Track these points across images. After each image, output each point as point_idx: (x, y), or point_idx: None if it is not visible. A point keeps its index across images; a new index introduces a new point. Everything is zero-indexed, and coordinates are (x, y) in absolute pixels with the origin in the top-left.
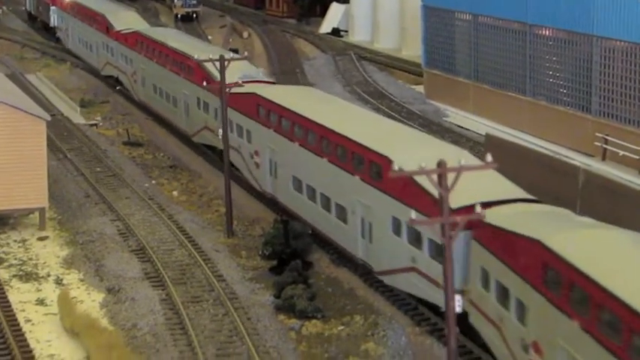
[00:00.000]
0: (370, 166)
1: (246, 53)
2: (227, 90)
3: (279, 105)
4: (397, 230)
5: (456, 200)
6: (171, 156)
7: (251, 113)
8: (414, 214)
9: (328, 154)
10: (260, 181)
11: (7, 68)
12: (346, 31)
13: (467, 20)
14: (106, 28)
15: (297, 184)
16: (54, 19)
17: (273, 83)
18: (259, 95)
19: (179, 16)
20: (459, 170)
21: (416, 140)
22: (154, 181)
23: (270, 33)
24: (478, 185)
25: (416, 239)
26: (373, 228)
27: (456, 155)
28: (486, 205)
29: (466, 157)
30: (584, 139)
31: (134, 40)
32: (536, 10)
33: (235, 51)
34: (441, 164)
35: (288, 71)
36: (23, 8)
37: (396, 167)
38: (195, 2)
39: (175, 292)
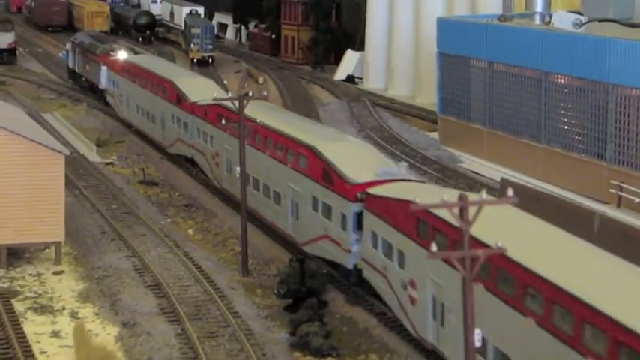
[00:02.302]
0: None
1: (265, 92)
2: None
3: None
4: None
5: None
6: (187, 195)
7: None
8: (434, 247)
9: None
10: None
11: (23, 107)
12: (361, 78)
13: (482, 67)
14: (177, 97)
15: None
16: (104, 81)
17: (422, 182)
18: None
19: (195, 60)
20: (480, 204)
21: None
22: (169, 220)
23: (285, 79)
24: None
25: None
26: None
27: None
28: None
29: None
30: (599, 187)
31: (217, 115)
32: (551, 58)
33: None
34: (462, 198)
35: (303, 115)
36: (61, 56)
37: (417, 201)
38: (211, 47)
39: (191, 326)
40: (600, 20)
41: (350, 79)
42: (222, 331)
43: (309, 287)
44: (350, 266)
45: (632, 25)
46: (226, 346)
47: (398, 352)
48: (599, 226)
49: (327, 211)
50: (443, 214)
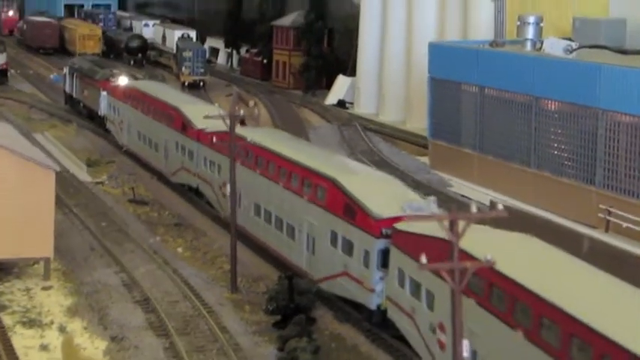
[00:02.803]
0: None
1: (256, 111)
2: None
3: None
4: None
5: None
6: (177, 214)
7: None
8: (424, 259)
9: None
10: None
11: (13, 128)
12: (352, 103)
13: (473, 92)
14: (182, 124)
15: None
16: (104, 107)
17: None
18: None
19: (186, 83)
20: (469, 218)
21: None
22: (158, 238)
23: (276, 103)
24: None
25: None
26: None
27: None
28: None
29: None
30: (588, 211)
31: (224, 142)
32: (542, 83)
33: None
34: (452, 211)
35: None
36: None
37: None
38: (202, 70)
39: (179, 341)
40: (591, 47)
41: (341, 103)
42: (211, 346)
43: (298, 304)
44: (373, 306)
45: (623, 52)
46: None
47: None
48: (587, 247)
49: (348, 247)
50: (474, 251)
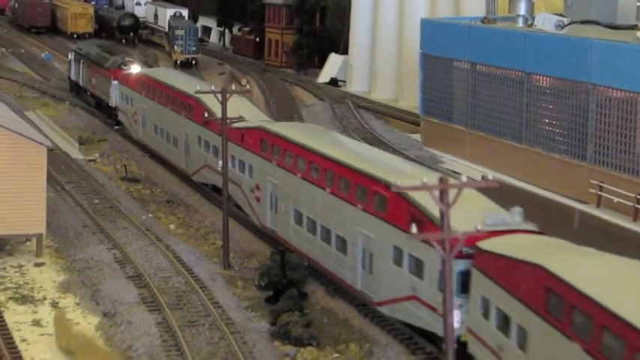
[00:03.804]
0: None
1: (248, 86)
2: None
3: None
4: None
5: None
6: (169, 192)
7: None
8: (414, 229)
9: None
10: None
11: (5, 105)
12: (344, 82)
13: (465, 68)
14: (205, 117)
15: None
16: (115, 98)
17: (540, 233)
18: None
19: (178, 62)
20: (460, 187)
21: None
22: (151, 215)
23: (269, 81)
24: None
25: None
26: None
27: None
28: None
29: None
30: (579, 187)
31: (257, 139)
32: (533, 59)
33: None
34: (442, 180)
35: (286, 116)
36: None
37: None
38: (195, 49)
39: (172, 316)
40: (582, 22)
41: (333, 82)
42: (203, 321)
43: (290, 279)
44: None
45: (614, 27)
46: (207, 335)
47: (377, 342)
48: (579, 222)
49: (417, 267)
50: (582, 284)
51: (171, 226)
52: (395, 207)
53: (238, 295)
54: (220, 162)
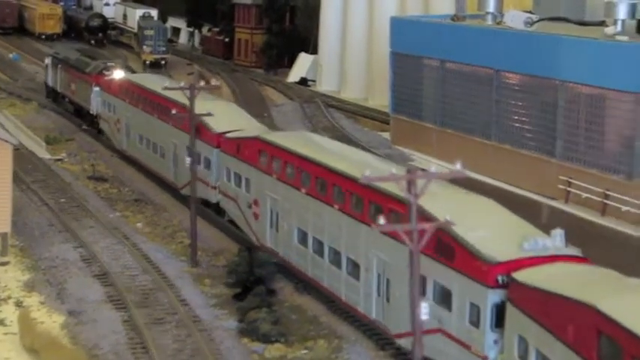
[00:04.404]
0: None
1: (218, 83)
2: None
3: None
4: None
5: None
6: (136, 191)
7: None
8: (382, 219)
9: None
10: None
11: None
12: (314, 81)
13: (434, 66)
14: (195, 126)
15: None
16: (97, 105)
17: (584, 259)
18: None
19: (147, 62)
20: (428, 177)
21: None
22: (118, 214)
23: (238, 81)
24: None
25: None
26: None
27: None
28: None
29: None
30: (548, 183)
31: (254, 150)
32: (502, 56)
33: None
34: (410, 170)
35: (255, 116)
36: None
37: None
38: (164, 49)
39: (138, 314)
40: (551, 19)
41: (303, 81)
42: (170, 318)
43: (258, 276)
44: None
45: (583, 24)
46: (173, 332)
47: (346, 338)
48: (547, 217)
49: (444, 297)
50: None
51: (139, 225)
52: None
53: (206, 293)
54: (214, 175)
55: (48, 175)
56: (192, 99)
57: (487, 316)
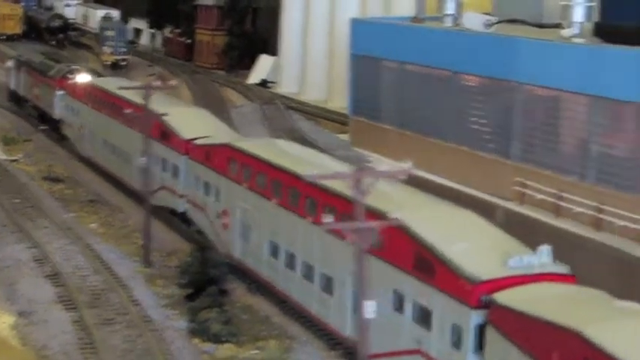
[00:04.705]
0: None
1: (175, 83)
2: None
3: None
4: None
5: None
6: (92, 192)
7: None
8: (328, 217)
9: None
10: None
11: None
12: (274, 83)
13: (393, 68)
14: (162, 132)
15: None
16: (60, 109)
17: (572, 277)
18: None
19: (108, 63)
20: (375, 175)
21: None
22: (72, 214)
23: (199, 82)
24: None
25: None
26: None
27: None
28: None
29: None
30: (504, 185)
31: (224, 158)
32: (460, 58)
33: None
34: (358, 169)
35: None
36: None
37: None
38: (125, 50)
39: (88, 314)
40: (509, 21)
41: (263, 83)
42: (120, 319)
43: (211, 277)
44: None
45: (540, 26)
46: (124, 333)
47: (298, 339)
48: (502, 218)
49: (424, 317)
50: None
51: (93, 226)
52: (395, 243)
53: (158, 294)
54: (181, 184)
55: (3, 176)
56: (147, 98)
57: (469, 338)
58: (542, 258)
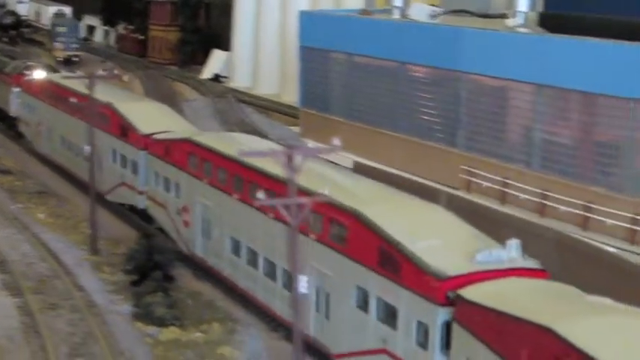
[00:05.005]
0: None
1: (126, 78)
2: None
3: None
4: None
5: None
6: (41, 183)
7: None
8: (261, 194)
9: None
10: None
11: None
12: (227, 77)
13: (342, 60)
14: (121, 128)
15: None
16: (16, 106)
17: (543, 272)
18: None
19: (60, 59)
20: (307, 154)
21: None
22: (20, 205)
23: (151, 77)
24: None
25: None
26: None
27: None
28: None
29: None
30: (451, 173)
31: (184, 153)
32: (407, 49)
33: None
34: (290, 147)
35: None
36: None
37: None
38: (76, 46)
39: (32, 300)
40: (455, 11)
41: (216, 77)
42: (64, 304)
43: (156, 262)
44: None
45: (485, 16)
46: (67, 317)
47: (241, 321)
48: (446, 204)
49: (389, 314)
50: (604, 355)
51: (41, 216)
52: (359, 239)
53: (104, 280)
54: (139, 179)
55: None
56: (91, 88)
57: (436, 337)
58: (512, 252)
